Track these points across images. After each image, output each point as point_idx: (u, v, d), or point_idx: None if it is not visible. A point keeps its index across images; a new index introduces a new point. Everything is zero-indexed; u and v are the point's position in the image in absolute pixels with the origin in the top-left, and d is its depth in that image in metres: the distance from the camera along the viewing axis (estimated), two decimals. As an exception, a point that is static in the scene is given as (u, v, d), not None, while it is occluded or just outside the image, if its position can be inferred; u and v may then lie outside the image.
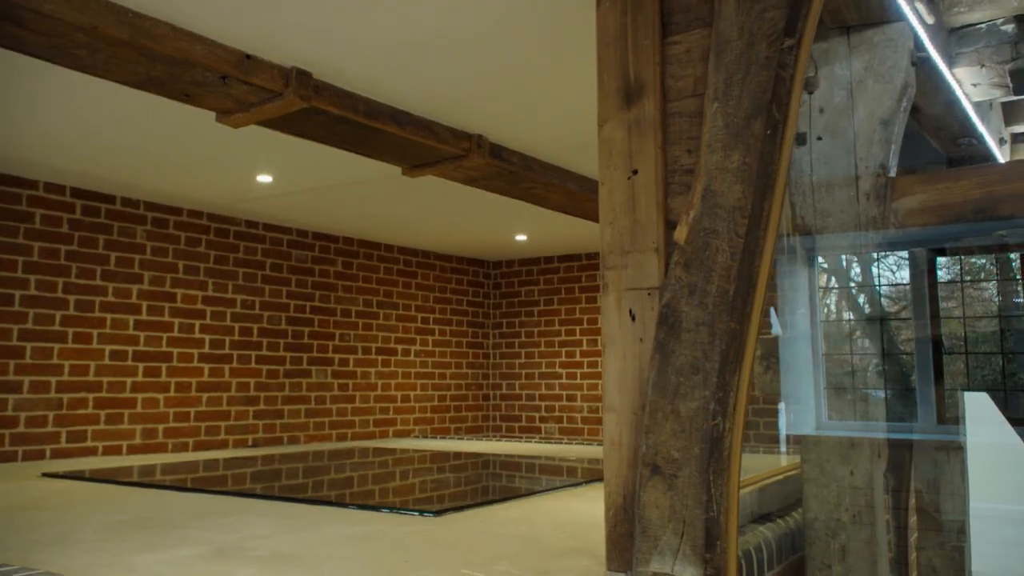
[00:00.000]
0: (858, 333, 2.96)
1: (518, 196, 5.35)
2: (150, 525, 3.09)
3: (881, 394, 2.97)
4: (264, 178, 5.46)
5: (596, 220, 6.41)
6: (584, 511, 3.45)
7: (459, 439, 7.88)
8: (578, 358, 8.50)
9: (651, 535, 2.22)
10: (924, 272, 3.24)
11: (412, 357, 8.22)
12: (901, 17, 2.70)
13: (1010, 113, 4.28)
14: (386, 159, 4.51)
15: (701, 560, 2.11)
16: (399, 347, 8.08)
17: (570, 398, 8.51)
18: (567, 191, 5.27)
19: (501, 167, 4.70)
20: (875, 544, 2.69)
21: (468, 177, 4.89)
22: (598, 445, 7.32)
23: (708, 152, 2.23)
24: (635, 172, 2.38)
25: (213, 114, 3.89)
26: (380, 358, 7.88)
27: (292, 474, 4.90)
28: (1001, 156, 4.16)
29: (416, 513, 3.32)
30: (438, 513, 3.30)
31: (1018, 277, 4.14)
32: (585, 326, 8.48)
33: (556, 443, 7.64)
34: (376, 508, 3.45)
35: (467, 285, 8.90)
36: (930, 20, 2.89)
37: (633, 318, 2.33)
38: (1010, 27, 3.05)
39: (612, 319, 2.36)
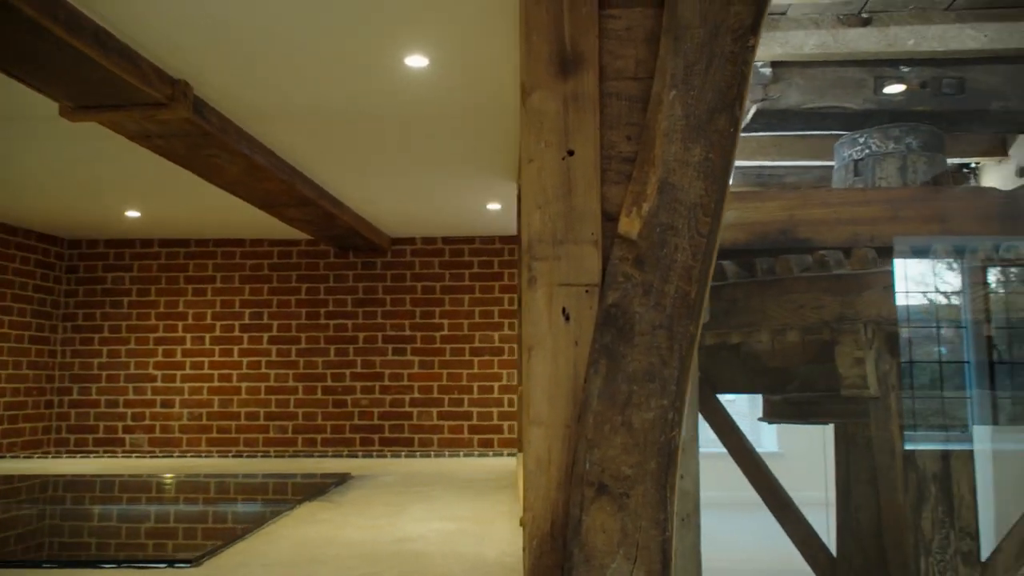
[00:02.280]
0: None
1: (192, 166, 4.44)
2: None
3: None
4: None
5: (263, 207, 5.68)
6: (355, 539, 2.96)
7: (26, 458, 6.28)
8: (179, 358, 7.40)
9: (596, 563, 1.96)
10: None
11: (-44, 355, 6.33)
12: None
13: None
14: (54, 91, 3.36)
15: (654, 586, 1.93)
16: (-61, 341, 6.16)
17: (166, 403, 7.37)
18: (251, 164, 4.53)
19: (198, 126, 3.84)
20: (699, 546, 2.78)
21: (144, 132, 3.90)
22: (220, 457, 6.45)
23: (666, 142, 2.06)
24: (571, 153, 2.10)
25: None
26: (-88, 356, 5.91)
27: None
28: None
29: (163, 565, 2.50)
30: (195, 562, 2.52)
31: None
32: (190, 321, 7.43)
33: (161, 457, 6.55)
34: (94, 564, 2.51)
35: (35, 266, 7.16)
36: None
37: (567, 318, 2.05)
38: (768, 70, 3.43)
39: (541, 319, 2.05)
